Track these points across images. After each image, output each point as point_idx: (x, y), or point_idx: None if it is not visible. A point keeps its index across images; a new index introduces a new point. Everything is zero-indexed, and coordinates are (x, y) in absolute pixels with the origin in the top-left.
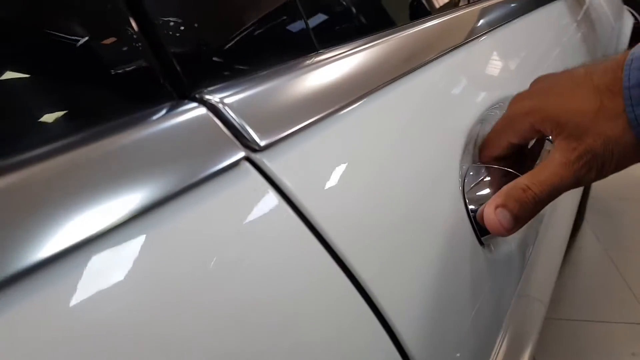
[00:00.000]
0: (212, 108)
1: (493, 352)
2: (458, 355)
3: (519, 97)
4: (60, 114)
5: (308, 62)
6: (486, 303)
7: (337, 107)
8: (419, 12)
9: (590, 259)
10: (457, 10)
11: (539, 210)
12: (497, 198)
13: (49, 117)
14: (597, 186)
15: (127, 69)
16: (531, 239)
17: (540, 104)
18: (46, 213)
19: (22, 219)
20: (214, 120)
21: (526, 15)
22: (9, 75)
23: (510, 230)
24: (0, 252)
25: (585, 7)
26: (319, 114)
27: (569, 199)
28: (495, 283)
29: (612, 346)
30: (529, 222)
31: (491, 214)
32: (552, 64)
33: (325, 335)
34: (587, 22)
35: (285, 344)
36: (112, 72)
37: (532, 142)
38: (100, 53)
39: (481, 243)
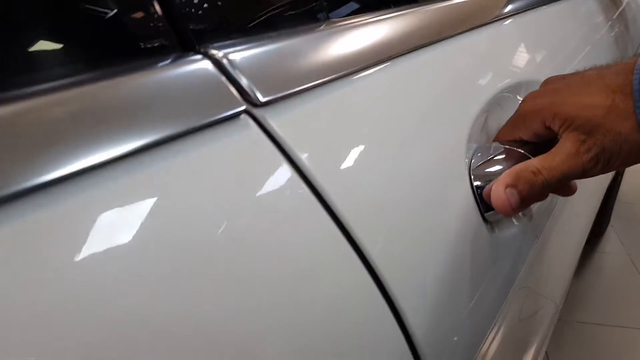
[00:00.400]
0: (216, 62)
1: (491, 330)
2: (457, 328)
3: (530, 96)
4: (73, 55)
5: (317, 28)
6: (485, 279)
7: (342, 73)
8: None
9: (614, 264)
10: None
11: (545, 195)
12: (507, 177)
13: (60, 56)
14: (625, 191)
15: (136, 18)
16: (539, 229)
17: (551, 101)
18: (54, 139)
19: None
20: (217, 74)
21: (552, 4)
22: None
23: (515, 210)
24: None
25: (619, 5)
26: (323, 78)
27: (585, 199)
28: (497, 261)
29: (631, 352)
30: (539, 211)
31: (501, 192)
32: (574, 55)
33: (320, 292)
34: (621, 19)
35: (276, 299)
36: (120, 20)
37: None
38: (110, 2)
39: (485, 220)
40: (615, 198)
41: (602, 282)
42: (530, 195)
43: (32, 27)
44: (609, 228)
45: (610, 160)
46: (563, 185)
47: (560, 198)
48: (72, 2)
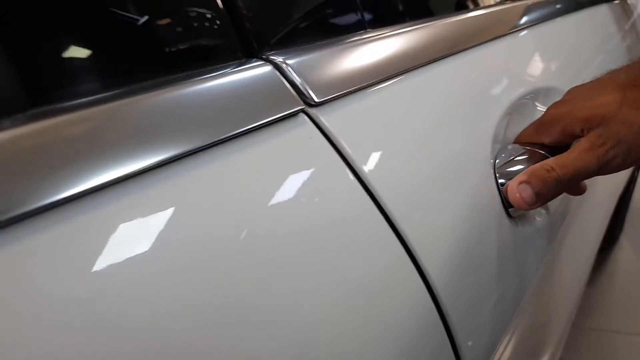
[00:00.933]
0: (276, 66)
1: (507, 332)
2: (482, 304)
3: (553, 105)
4: (146, 62)
5: (358, 38)
6: (506, 267)
7: (384, 76)
8: (463, 4)
9: (627, 271)
10: (498, 5)
11: (560, 191)
12: (523, 175)
13: (132, 63)
14: (638, 199)
15: (207, 30)
16: (554, 231)
17: (570, 109)
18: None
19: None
20: (277, 76)
21: (565, 16)
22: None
23: (530, 205)
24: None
25: (631, 16)
26: (367, 81)
27: (597, 206)
28: (518, 253)
29: None
30: (555, 214)
31: (514, 188)
32: (589, 63)
33: (367, 275)
34: (632, 30)
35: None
36: (195, 32)
37: None
38: (185, 15)
39: (510, 215)
40: (628, 206)
41: (615, 290)
42: (544, 191)
43: (113, 34)
44: (622, 236)
45: (629, 152)
46: (576, 183)
47: (574, 204)
48: (159, 19)
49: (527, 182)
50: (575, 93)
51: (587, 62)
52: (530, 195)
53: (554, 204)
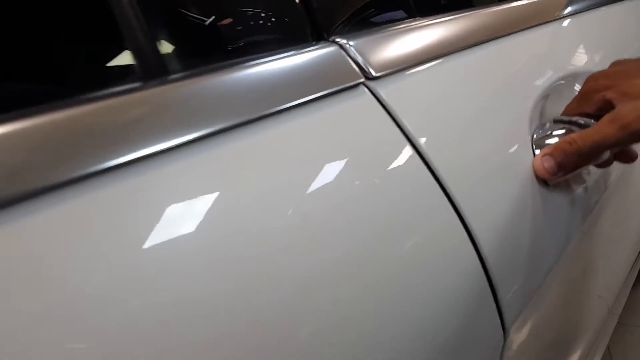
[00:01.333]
0: (341, 47)
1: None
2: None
3: (594, 76)
4: (241, 44)
5: (411, 24)
6: (542, 231)
7: (433, 56)
8: None
9: None
10: None
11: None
12: (548, 148)
13: (233, 45)
14: None
15: (287, 19)
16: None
17: (612, 83)
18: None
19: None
20: (342, 55)
21: (611, 5)
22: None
23: (553, 175)
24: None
25: None
26: (420, 59)
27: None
28: (552, 219)
29: None
30: (596, 185)
31: (538, 159)
32: (631, 50)
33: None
34: None
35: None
36: (277, 20)
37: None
38: (270, 8)
39: (547, 184)
40: None
41: None
42: (565, 162)
43: (219, 24)
44: None
45: None
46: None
47: (612, 183)
48: (251, 12)
49: (550, 154)
50: (620, 67)
51: (632, 52)
52: (552, 166)
53: (591, 177)
